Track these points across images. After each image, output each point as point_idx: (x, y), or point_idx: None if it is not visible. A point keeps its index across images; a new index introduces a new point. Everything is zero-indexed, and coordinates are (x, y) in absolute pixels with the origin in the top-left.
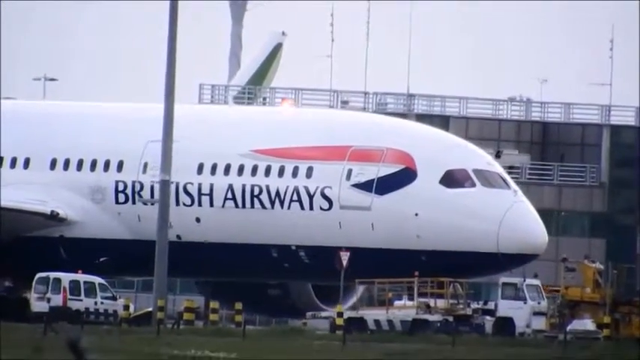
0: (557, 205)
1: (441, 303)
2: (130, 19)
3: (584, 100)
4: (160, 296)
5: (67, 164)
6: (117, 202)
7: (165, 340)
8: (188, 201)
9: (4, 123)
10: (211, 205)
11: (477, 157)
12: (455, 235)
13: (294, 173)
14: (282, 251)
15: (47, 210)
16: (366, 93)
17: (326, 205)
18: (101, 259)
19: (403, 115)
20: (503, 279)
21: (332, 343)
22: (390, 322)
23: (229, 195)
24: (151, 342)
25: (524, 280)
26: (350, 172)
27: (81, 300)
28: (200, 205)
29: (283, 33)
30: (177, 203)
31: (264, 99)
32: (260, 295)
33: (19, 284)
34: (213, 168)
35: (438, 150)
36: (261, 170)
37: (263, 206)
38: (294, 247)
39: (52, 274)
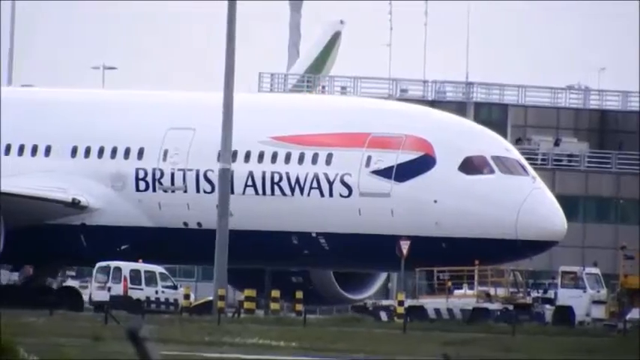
0: (616, 192)
1: (501, 292)
2: (189, 8)
3: None
4: (221, 285)
5: (87, 152)
6: (137, 189)
7: (225, 328)
8: (209, 188)
9: (24, 111)
10: (232, 192)
11: (495, 144)
12: (474, 222)
13: (314, 160)
14: (302, 238)
15: (68, 198)
16: (424, 81)
17: (345, 192)
18: (122, 247)
19: (462, 104)
20: (563, 268)
21: (392, 332)
22: (450, 310)
23: (249, 182)
24: (211, 331)
25: (584, 269)
26: (369, 159)
27: (142, 289)
28: None
29: (342, 21)
30: (198, 190)
31: (323, 87)
32: (282, 283)
33: (40, 272)
34: (234, 155)
35: (457, 136)
36: (281, 157)
37: (283, 193)
38: (314, 234)
39: (113, 263)
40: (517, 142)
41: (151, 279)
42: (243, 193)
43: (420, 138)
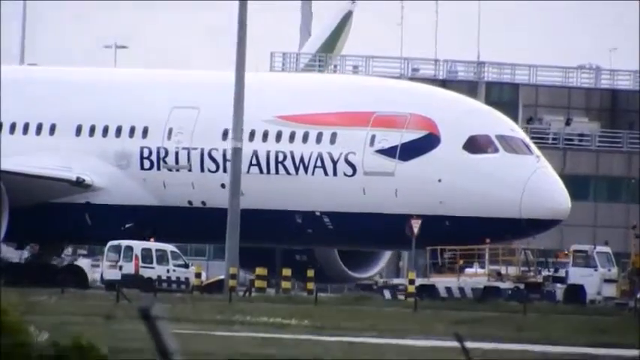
0: (627, 172)
1: (512, 270)
2: None
3: None
4: (232, 264)
5: (92, 130)
6: (142, 168)
7: (237, 307)
8: (213, 167)
9: (28, 90)
10: None
11: (500, 123)
12: (478, 201)
13: (318, 139)
14: (306, 217)
15: (73, 176)
16: (436, 61)
17: (350, 171)
18: (126, 225)
19: (473, 83)
20: (574, 246)
21: (403, 311)
22: (461, 289)
23: (254, 161)
24: (223, 309)
25: (595, 248)
26: (373, 138)
27: (153, 268)
28: (225, 171)
29: (353, 1)
30: (202, 169)
31: (335, 67)
32: (286, 261)
33: (45, 250)
34: None
35: (462, 116)
36: (285, 136)
37: (287, 172)
38: (318, 213)
39: (124, 242)
40: (528, 121)
41: (162, 258)
42: (248, 172)
43: (424, 117)
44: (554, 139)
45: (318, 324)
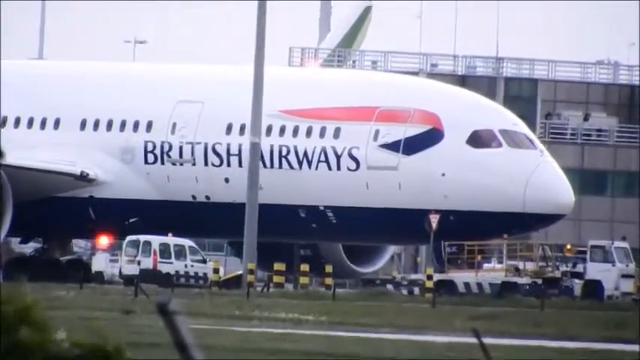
0: None
1: (530, 266)
2: None
3: None
4: (250, 259)
5: (96, 125)
6: (146, 162)
7: (255, 302)
8: (217, 161)
9: (33, 85)
10: (240, 165)
11: (503, 117)
12: (482, 196)
13: (322, 134)
14: (310, 211)
15: (77, 170)
16: (455, 56)
17: (353, 165)
18: (130, 220)
19: (492, 79)
20: (592, 242)
21: (421, 306)
22: (479, 284)
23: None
24: (241, 305)
25: (613, 243)
26: (377, 132)
27: (171, 263)
28: (229, 165)
29: None
30: (206, 163)
31: (354, 62)
32: (290, 256)
33: (50, 245)
34: (242, 128)
35: (465, 110)
36: (289, 131)
37: (291, 167)
38: (322, 208)
39: (142, 237)
40: (547, 116)
41: (180, 253)
42: None
43: (427, 111)
44: (572, 134)
45: (336, 320)
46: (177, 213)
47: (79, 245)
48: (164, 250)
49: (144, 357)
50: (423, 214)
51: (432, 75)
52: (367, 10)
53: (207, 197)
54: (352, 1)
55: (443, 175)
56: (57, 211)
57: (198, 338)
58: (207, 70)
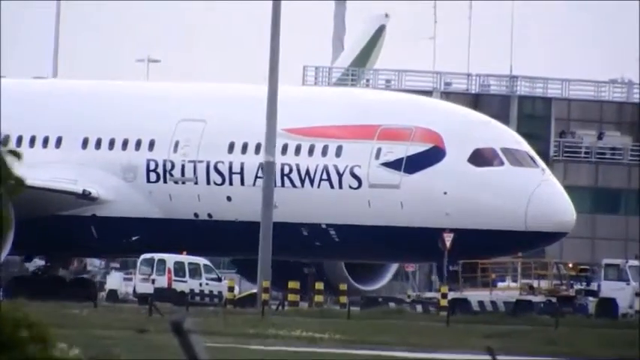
0: None
1: (544, 284)
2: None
3: None
4: (265, 278)
5: (98, 143)
6: (148, 180)
7: (270, 321)
8: (219, 180)
9: (35, 103)
10: (242, 183)
11: (505, 136)
12: (483, 214)
13: (324, 152)
14: (312, 230)
15: (79, 189)
16: (468, 75)
17: (355, 183)
18: (133, 238)
19: (505, 97)
20: (606, 260)
21: (435, 324)
22: (493, 303)
23: (260, 174)
24: (255, 323)
25: (627, 261)
26: (379, 150)
27: (185, 281)
28: (231, 183)
29: (386, 15)
30: (208, 182)
31: (367, 81)
32: (293, 274)
33: (52, 263)
34: (244, 147)
35: (467, 128)
36: (291, 149)
37: (293, 185)
38: (324, 226)
39: (157, 256)
40: (561, 135)
41: (195, 271)
42: (254, 184)
43: (429, 130)
44: (586, 152)
45: (351, 338)
46: (180, 231)
47: (93, 264)
48: (179, 269)
49: None
50: (425, 232)
51: (446, 94)
52: (381, 29)
53: (210, 215)
54: (366, 20)
55: (445, 193)
56: (59, 230)
57: (213, 357)
58: (210, 88)
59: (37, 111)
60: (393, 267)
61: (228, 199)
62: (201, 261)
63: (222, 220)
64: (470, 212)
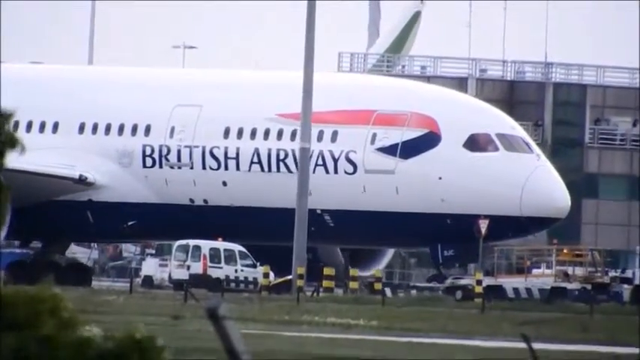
0: None
1: (579, 271)
2: None
3: None
4: (300, 264)
5: (95, 128)
6: (144, 166)
7: (305, 307)
8: (215, 165)
9: (32, 88)
10: (237, 168)
11: (500, 121)
12: (478, 199)
13: (319, 137)
14: (307, 215)
15: (75, 174)
16: (504, 61)
17: (350, 169)
18: (129, 223)
19: (540, 84)
20: None
21: (470, 312)
22: (528, 290)
23: (255, 159)
24: (290, 310)
25: None
26: (374, 136)
27: (221, 268)
28: (227, 169)
29: (422, 1)
30: (204, 167)
31: (403, 67)
32: (289, 259)
33: (49, 248)
34: (240, 132)
35: (462, 114)
36: (286, 134)
37: (289, 170)
38: (319, 211)
39: (192, 242)
40: (596, 122)
41: (230, 257)
42: (249, 169)
43: (425, 115)
44: (621, 140)
45: (386, 324)
46: (175, 216)
47: (128, 250)
48: (214, 255)
49: None
50: (420, 217)
51: (481, 80)
52: (416, 16)
53: (205, 201)
54: (401, 7)
55: (440, 178)
56: (56, 215)
57: (248, 343)
58: (205, 73)
59: (33, 96)
60: (389, 252)
61: (224, 184)
62: (237, 247)
63: (217, 206)
64: (465, 198)
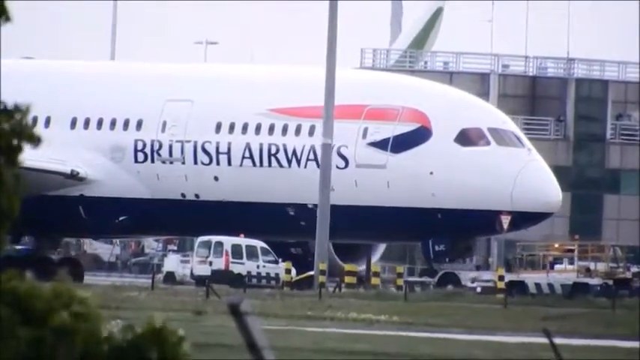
0: None
1: (601, 267)
2: None
3: None
4: (322, 260)
5: (87, 123)
6: (136, 161)
7: (327, 303)
8: (206, 160)
9: (25, 82)
10: (229, 163)
11: (491, 116)
12: (469, 194)
13: (311, 132)
14: (298, 209)
15: (67, 169)
16: (526, 57)
17: (342, 163)
18: (120, 218)
19: (563, 80)
20: None
21: (492, 307)
22: (550, 285)
23: (247, 154)
24: (312, 305)
25: None
26: (366, 130)
27: (243, 263)
28: (218, 163)
29: None
30: (196, 162)
31: (425, 63)
32: (281, 254)
33: (41, 243)
34: (231, 127)
35: (453, 108)
36: (278, 129)
37: (280, 165)
38: (310, 206)
39: (214, 238)
40: (617, 118)
41: (252, 253)
42: (241, 164)
43: (416, 110)
44: None
45: (408, 320)
46: (167, 211)
47: (151, 247)
48: (236, 251)
49: (215, 357)
50: (411, 212)
51: (503, 76)
52: (439, 11)
53: (197, 195)
54: (424, 2)
55: (431, 173)
56: (47, 210)
57: (270, 339)
58: (197, 68)
59: (25, 91)
60: (381, 247)
61: (215, 179)
62: (259, 243)
63: (209, 200)
64: (456, 192)
